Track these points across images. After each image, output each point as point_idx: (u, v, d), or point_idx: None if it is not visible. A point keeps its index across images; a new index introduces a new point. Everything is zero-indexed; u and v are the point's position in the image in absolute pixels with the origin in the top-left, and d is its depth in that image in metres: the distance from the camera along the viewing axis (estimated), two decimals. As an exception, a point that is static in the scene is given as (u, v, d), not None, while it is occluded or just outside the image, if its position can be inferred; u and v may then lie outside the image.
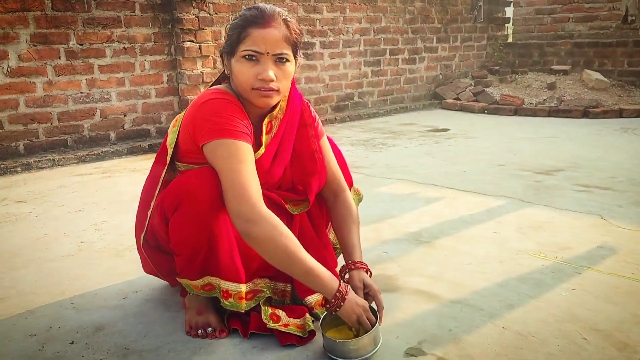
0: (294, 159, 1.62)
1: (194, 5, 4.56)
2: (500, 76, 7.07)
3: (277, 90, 1.44)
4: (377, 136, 4.93)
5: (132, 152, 4.27)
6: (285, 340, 1.49)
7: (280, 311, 1.54)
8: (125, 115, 4.45)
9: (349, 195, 1.72)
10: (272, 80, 1.41)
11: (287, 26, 1.44)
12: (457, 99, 6.74)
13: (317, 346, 1.47)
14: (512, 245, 2.21)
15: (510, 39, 8.12)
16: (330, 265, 1.68)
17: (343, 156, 1.81)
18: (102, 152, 4.11)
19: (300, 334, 1.50)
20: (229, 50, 1.46)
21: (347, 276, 1.59)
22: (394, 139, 4.78)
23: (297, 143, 1.62)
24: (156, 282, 1.88)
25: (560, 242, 2.22)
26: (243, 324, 1.56)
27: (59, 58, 4.04)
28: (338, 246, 1.81)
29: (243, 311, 1.52)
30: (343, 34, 5.96)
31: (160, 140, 4.45)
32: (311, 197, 1.63)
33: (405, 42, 6.63)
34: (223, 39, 4.85)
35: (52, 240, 2.38)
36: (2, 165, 3.68)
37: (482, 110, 6.27)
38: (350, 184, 1.82)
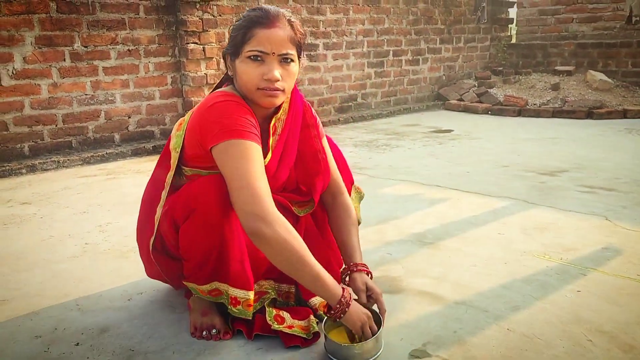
0: (298, 159, 1.63)
1: (197, 7, 4.57)
2: (504, 77, 7.06)
3: (283, 90, 1.44)
4: (380, 137, 4.93)
5: (137, 153, 4.28)
6: (290, 341, 1.49)
7: (284, 313, 1.54)
8: (129, 117, 4.47)
9: (348, 197, 1.72)
10: (278, 80, 1.41)
11: (292, 26, 1.44)
12: (461, 99, 6.73)
13: (322, 348, 1.47)
14: (516, 246, 2.21)
15: (513, 40, 8.11)
16: (334, 265, 1.69)
17: (343, 155, 1.81)
18: (106, 153, 4.12)
19: (304, 336, 1.50)
20: (232, 51, 1.46)
21: (347, 279, 1.58)
22: (397, 140, 4.78)
23: (301, 144, 1.62)
24: (161, 283, 1.88)
25: (565, 244, 2.22)
26: (247, 326, 1.56)
27: (64, 60, 4.05)
28: None
29: (250, 318, 1.51)
30: (346, 36, 5.96)
31: (164, 142, 4.46)
32: (316, 198, 1.63)
33: (409, 43, 6.63)
34: (227, 40, 4.85)
35: (56, 242, 2.39)
36: (7, 167, 3.70)
37: (485, 111, 6.26)
38: (351, 181, 1.82)
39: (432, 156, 4.04)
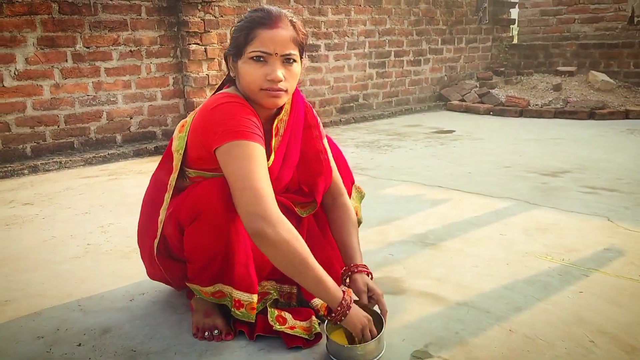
0: (300, 160, 1.62)
1: (199, 8, 4.57)
2: (506, 78, 7.05)
3: (286, 91, 1.44)
4: (382, 138, 4.93)
5: (138, 154, 4.29)
6: (292, 342, 1.49)
7: (286, 313, 1.54)
8: (131, 118, 4.47)
9: (347, 199, 1.71)
10: (281, 81, 1.41)
11: (294, 27, 1.44)
12: (463, 100, 6.73)
13: (324, 349, 1.47)
14: (518, 247, 2.21)
15: (515, 41, 8.10)
16: (336, 266, 1.68)
17: (343, 155, 1.81)
18: (108, 154, 4.13)
19: (306, 337, 1.50)
20: (235, 52, 1.45)
21: (347, 280, 1.57)
22: (399, 140, 4.77)
23: (303, 144, 1.62)
24: (162, 284, 1.88)
25: (567, 244, 2.22)
26: (249, 327, 1.56)
27: (66, 61, 4.06)
28: None
29: (253, 321, 1.51)
30: (348, 36, 5.96)
31: (166, 142, 4.46)
32: (318, 198, 1.63)
33: (410, 43, 6.63)
34: (229, 41, 4.85)
35: (59, 243, 2.39)
36: (9, 168, 3.70)
37: (487, 112, 6.26)
38: (351, 181, 1.81)
39: (434, 157, 4.04)
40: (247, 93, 1.46)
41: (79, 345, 1.54)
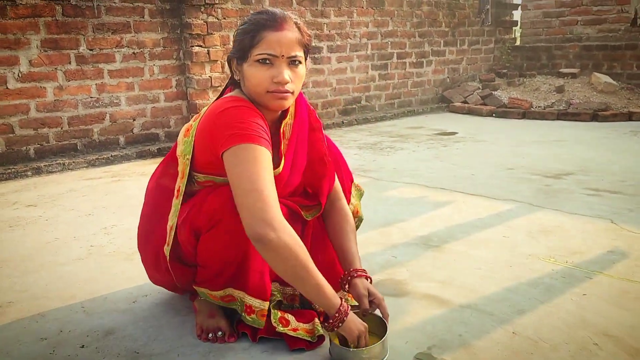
0: (305, 163, 1.63)
1: (202, 10, 4.58)
2: (508, 79, 7.05)
3: (292, 93, 1.43)
4: (384, 140, 4.93)
5: (141, 156, 4.29)
6: (294, 344, 1.49)
7: (289, 315, 1.53)
8: (134, 120, 4.48)
9: (346, 203, 1.71)
10: (288, 82, 1.41)
11: (299, 29, 1.44)
12: (465, 102, 6.72)
13: (326, 351, 1.47)
14: (522, 249, 2.20)
15: (518, 42, 8.10)
16: (339, 268, 1.68)
17: (342, 155, 1.80)
18: (111, 156, 4.14)
19: (309, 339, 1.49)
20: (240, 55, 1.44)
21: (347, 285, 1.56)
22: (401, 142, 4.77)
23: (308, 147, 1.62)
24: (166, 286, 1.88)
25: (571, 247, 2.21)
26: (252, 328, 1.56)
27: (69, 63, 4.07)
28: None
29: (262, 327, 1.50)
30: (350, 38, 5.97)
31: (169, 144, 4.47)
32: (323, 201, 1.63)
33: (413, 45, 6.63)
34: (231, 43, 4.86)
35: (62, 244, 2.40)
36: (13, 169, 3.71)
37: (490, 114, 6.25)
38: (350, 179, 1.81)
39: (437, 159, 4.04)
40: (253, 96, 1.45)
41: (82, 346, 1.54)
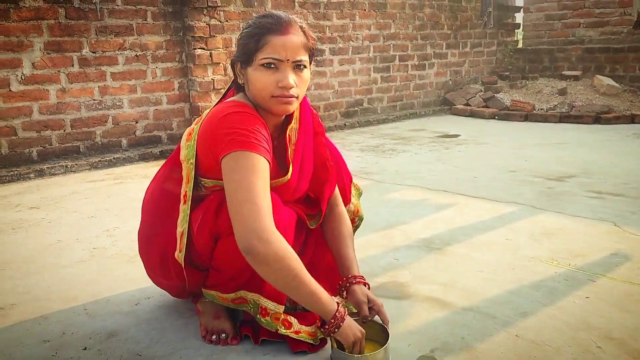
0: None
1: (204, 13, 4.59)
2: (511, 82, 7.05)
3: (297, 97, 1.42)
4: (386, 142, 4.93)
5: (144, 158, 4.30)
6: (297, 347, 1.49)
7: (292, 318, 1.53)
8: (136, 122, 4.49)
9: (344, 209, 1.71)
10: (293, 87, 1.39)
11: (304, 33, 1.43)
12: (467, 104, 6.72)
13: (328, 355, 1.47)
14: (524, 252, 2.20)
15: (520, 45, 8.09)
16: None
17: (341, 156, 1.79)
18: (114, 158, 4.14)
19: (311, 342, 1.49)
20: (244, 59, 1.43)
21: (344, 292, 1.55)
22: (403, 144, 4.77)
23: (313, 152, 1.62)
24: (168, 288, 1.88)
25: (573, 249, 2.21)
26: (254, 330, 1.56)
27: (72, 66, 4.08)
28: None
29: (274, 330, 1.50)
30: (352, 41, 5.97)
31: (171, 146, 4.47)
32: (324, 206, 1.63)
33: (415, 48, 6.63)
34: (234, 46, 4.88)
35: (65, 246, 2.40)
36: (15, 172, 3.72)
37: (492, 116, 6.25)
38: (350, 179, 1.81)
39: (439, 161, 4.03)
40: (258, 100, 1.44)
41: (85, 349, 1.54)
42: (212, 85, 4.70)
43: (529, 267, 2.05)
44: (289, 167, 1.52)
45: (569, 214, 2.67)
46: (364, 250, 2.24)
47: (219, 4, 4.67)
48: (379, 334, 1.46)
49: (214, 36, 4.67)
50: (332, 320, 1.36)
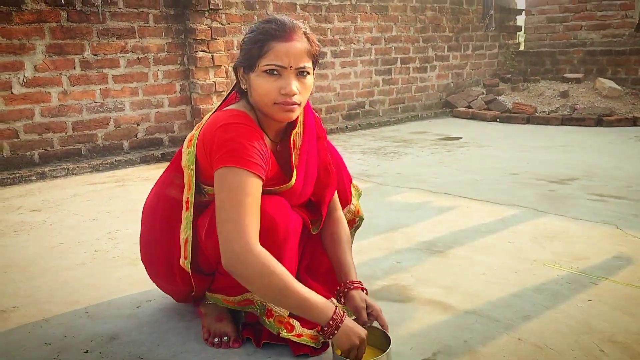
0: None
1: (206, 15, 4.60)
2: (512, 84, 7.04)
3: (299, 104, 1.41)
4: (388, 145, 4.93)
5: (145, 160, 4.30)
6: (299, 350, 1.48)
7: (294, 320, 1.52)
8: (138, 125, 4.49)
9: (342, 214, 1.70)
10: (296, 94, 1.38)
11: (308, 39, 1.41)
12: (469, 107, 6.72)
13: (330, 357, 1.46)
14: (527, 255, 2.19)
15: (522, 47, 8.09)
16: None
17: (341, 157, 1.78)
18: (115, 161, 4.14)
19: (313, 345, 1.48)
20: (247, 65, 1.41)
21: (342, 298, 1.54)
22: (405, 147, 4.77)
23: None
24: (170, 291, 1.88)
25: (576, 252, 2.20)
26: (256, 334, 1.56)
27: (74, 68, 4.09)
28: None
29: (275, 333, 1.49)
30: (354, 43, 5.98)
31: (173, 149, 4.48)
32: (324, 210, 1.62)
33: (417, 50, 6.63)
34: (236, 49, 4.88)
35: (66, 249, 2.40)
36: (17, 174, 3.72)
37: (494, 119, 6.25)
38: (349, 179, 1.81)
39: (441, 164, 4.03)
40: (260, 106, 1.42)
41: (86, 352, 1.54)
42: (213, 88, 4.70)
43: (531, 270, 2.04)
44: (292, 172, 1.51)
45: (571, 217, 2.66)
46: (366, 253, 2.23)
47: (221, 7, 4.67)
48: (380, 340, 1.45)
49: (216, 39, 4.67)
50: (330, 323, 1.34)
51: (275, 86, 1.37)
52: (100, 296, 1.90)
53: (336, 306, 1.37)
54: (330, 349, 1.49)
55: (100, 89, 4.23)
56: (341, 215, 1.69)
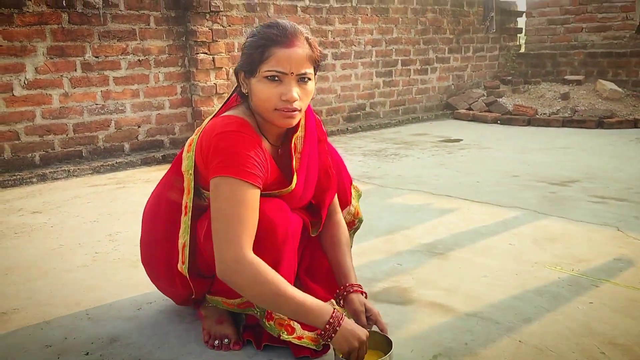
0: None
1: (207, 18, 4.60)
2: (513, 86, 7.04)
3: (300, 110, 1.40)
4: (389, 146, 4.93)
5: (146, 162, 4.30)
6: (299, 352, 1.48)
7: (294, 323, 1.52)
8: (139, 127, 4.49)
9: (342, 217, 1.70)
10: (296, 100, 1.37)
11: (310, 45, 1.40)
12: (470, 109, 6.72)
13: None
14: (527, 257, 2.19)
15: (522, 49, 8.10)
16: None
17: (341, 158, 1.79)
18: (116, 162, 4.15)
19: (314, 347, 1.48)
20: (248, 69, 1.40)
21: (341, 301, 1.54)
22: (406, 149, 4.77)
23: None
24: (170, 293, 1.88)
25: (577, 254, 2.20)
26: (256, 336, 1.56)
27: (75, 70, 4.09)
28: None
29: (275, 335, 1.49)
30: (355, 45, 5.98)
31: (174, 151, 4.48)
32: (324, 213, 1.62)
33: (417, 52, 6.64)
34: (237, 50, 4.89)
35: (67, 251, 2.40)
36: (18, 176, 3.73)
37: (495, 121, 6.25)
38: (350, 181, 1.81)
39: (442, 166, 4.03)
40: (260, 111, 1.42)
41: (87, 354, 1.54)
42: (214, 90, 4.71)
43: (532, 272, 2.04)
44: (293, 176, 1.51)
45: (572, 219, 2.66)
46: (367, 255, 2.23)
47: (222, 9, 4.68)
48: (382, 343, 1.44)
49: (217, 41, 4.68)
50: (327, 327, 1.33)
51: (276, 92, 1.37)
52: (101, 298, 1.90)
53: (334, 309, 1.36)
54: (331, 351, 1.49)
55: (101, 91, 4.24)
56: (341, 219, 1.69)
